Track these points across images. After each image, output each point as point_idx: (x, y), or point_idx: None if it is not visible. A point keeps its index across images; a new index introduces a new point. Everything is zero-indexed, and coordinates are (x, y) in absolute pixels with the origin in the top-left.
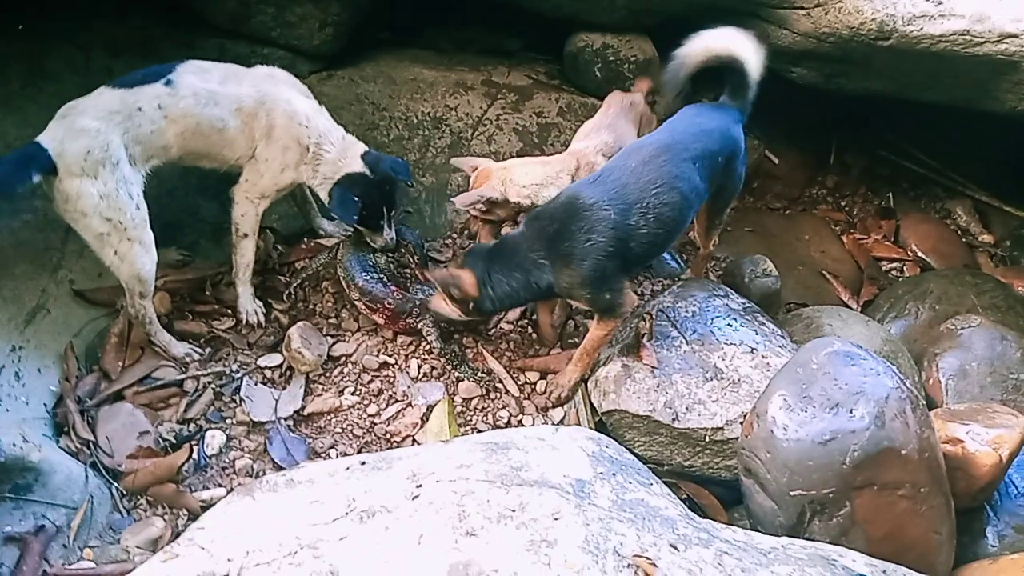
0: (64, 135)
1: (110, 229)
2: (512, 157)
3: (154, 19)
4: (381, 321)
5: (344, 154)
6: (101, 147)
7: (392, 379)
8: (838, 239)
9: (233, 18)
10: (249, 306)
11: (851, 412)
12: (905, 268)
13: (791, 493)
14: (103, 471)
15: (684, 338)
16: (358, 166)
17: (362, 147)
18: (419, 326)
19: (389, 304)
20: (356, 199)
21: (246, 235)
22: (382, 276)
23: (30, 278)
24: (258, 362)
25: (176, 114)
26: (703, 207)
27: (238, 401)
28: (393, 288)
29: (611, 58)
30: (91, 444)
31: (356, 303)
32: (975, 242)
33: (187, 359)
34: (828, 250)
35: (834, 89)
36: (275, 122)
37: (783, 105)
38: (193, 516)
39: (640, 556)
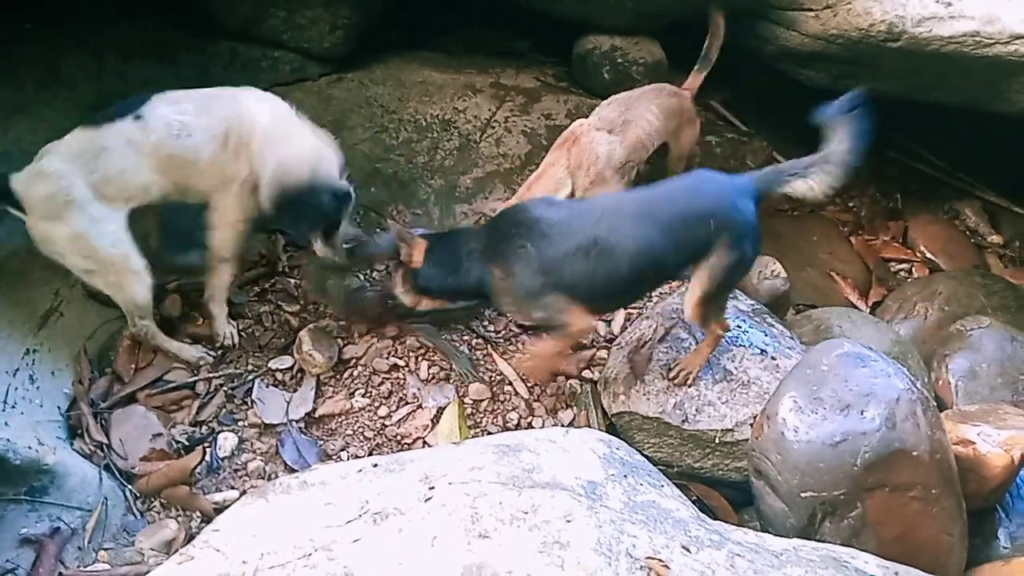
0: (30, 177)
1: (93, 266)
2: (520, 159)
3: (167, 23)
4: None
5: (286, 164)
6: (63, 190)
7: (402, 381)
8: (846, 240)
9: (245, 21)
10: (224, 329)
11: (862, 414)
12: (914, 269)
13: (802, 495)
14: (117, 473)
15: (694, 340)
16: (300, 175)
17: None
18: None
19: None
20: (300, 210)
21: (224, 259)
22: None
23: (44, 282)
24: (269, 364)
25: (148, 148)
26: (696, 282)
27: (250, 404)
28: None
29: (619, 60)
30: (105, 447)
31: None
32: (984, 243)
33: (200, 362)
34: (836, 251)
35: (842, 90)
36: (248, 143)
37: (791, 107)
38: (206, 518)
39: (653, 558)
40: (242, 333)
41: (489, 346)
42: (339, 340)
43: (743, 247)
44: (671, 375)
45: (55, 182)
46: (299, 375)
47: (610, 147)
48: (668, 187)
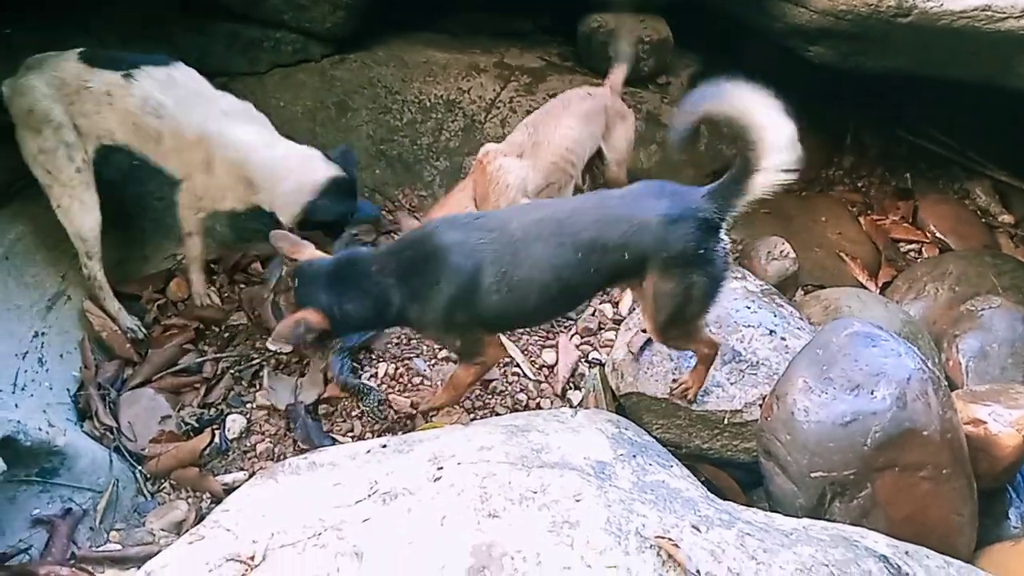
0: (17, 86)
1: (51, 182)
2: None
3: (167, 4)
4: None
5: (306, 170)
6: (44, 111)
7: (408, 363)
8: (855, 220)
9: (246, 2)
10: (201, 291)
11: (872, 393)
12: (924, 249)
13: (811, 475)
14: (127, 455)
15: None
16: (329, 172)
17: (319, 154)
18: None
19: None
20: (338, 198)
21: (190, 234)
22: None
23: (51, 264)
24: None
25: (119, 106)
26: (643, 312)
27: (257, 386)
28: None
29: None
30: (114, 429)
31: None
32: (995, 222)
33: (129, 333)
34: (845, 231)
35: (851, 68)
36: (215, 163)
37: (799, 85)
38: (216, 499)
39: (663, 537)
40: (251, 317)
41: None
42: None
43: (687, 275)
44: (673, 389)
45: (37, 101)
46: (306, 359)
47: (520, 173)
48: (590, 204)
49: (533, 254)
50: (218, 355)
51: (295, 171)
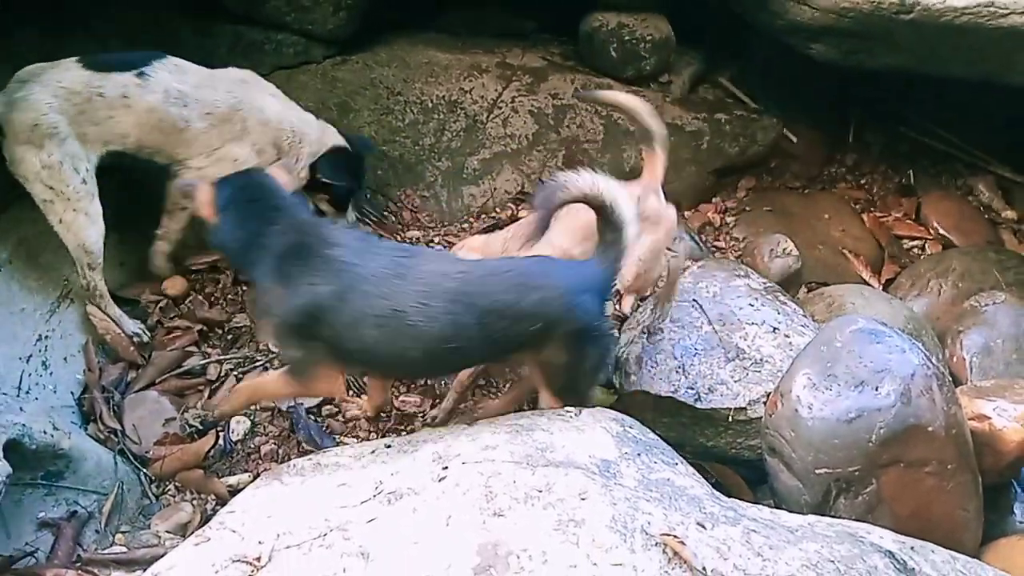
0: (14, 102)
1: (53, 197)
2: (528, 140)
3: (170, 7)
4: None
5: (324, 133)
6: (49, 123)
7: None
8: (858, 217)
9: (248, 4)
10: (160, 262)
11: (876, 389)
12: (927, 246)
13: (816, 472)
14: (131, 458)
15: (706, 318)
16: (341, 141)
17: (333, 131)
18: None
19: None
20: (342, 166)
21: (184, 208)
22: None
23: (54, 268)
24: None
25: (140, 107)
26: (536, 378)
27: None
28: None
29: (627, 38)
30: (118, 432)
31: None
32: (998, 218)
33: (135, 338)
34: (848, 229)
35: (853, 65)
36: (249, 127)
37: (801, 83)
38: (221, 501)
39: (668, 535)
40: (254, 319)
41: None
42: None
43: (583, 348)
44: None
45: (43, 114)
46: None
47: None
48: (502, 270)
49: (435, 304)
50: (222, 357)
51: (312, 134)
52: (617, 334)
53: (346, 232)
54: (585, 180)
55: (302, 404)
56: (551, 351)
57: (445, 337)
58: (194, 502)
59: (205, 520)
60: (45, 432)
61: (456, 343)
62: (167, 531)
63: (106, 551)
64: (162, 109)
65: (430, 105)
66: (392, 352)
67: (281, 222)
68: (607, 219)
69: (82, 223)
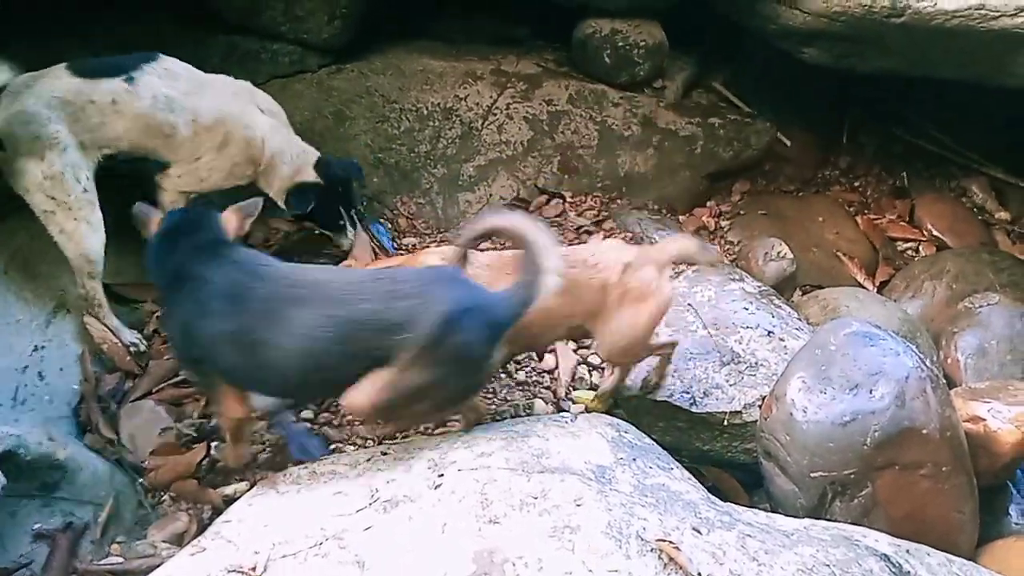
0: (12, 116)
1: (54, 207)
2: (523, 146)
3: (164, 16)
4: None
5: (299, 166)
6: (49, 134)
7: None
8: (852, 220)
9: (243, 13)
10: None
11: (871, 392)
12: (921, 248)
13: (812, 475)
14: (127, 468)
15: (701, 322)
16: (311, 176)
17: (315, 156)
18: None
19: None
20: (310, 200)
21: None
22: None
23: (51, 278)
24: None
25: (129, 112)
26: (382, 387)
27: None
28: None
29: (620, 44)
30: (115, 442)
31: None
32: (992, 220)
33: (132, 348)
34: (842, 231)
35: (846, 69)
36: (231, 140)
37: (794, 86)
38: (216, 510)
39: (663, 540)
40: None
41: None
42: None
43: (446, 368)
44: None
45: (43, 126)
46: None
47: None
48: (374, 279)
49: (294, 319)
50: None
51: (285, 166)
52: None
53: (246, 261)
54: (507, 218)
55: (291, 419)
56: (415, 366)
57: (308, 352)
58: (190, 512)
59: (201, 529)
60: (41, 443)
61: (319, 357)
62: (163, 541)
63: (102, 562)
64: (149, 115)
65: (425, 112)
66: (265, 370)
67: (196, 257)
68: (528, 260)
69: (84, 232)
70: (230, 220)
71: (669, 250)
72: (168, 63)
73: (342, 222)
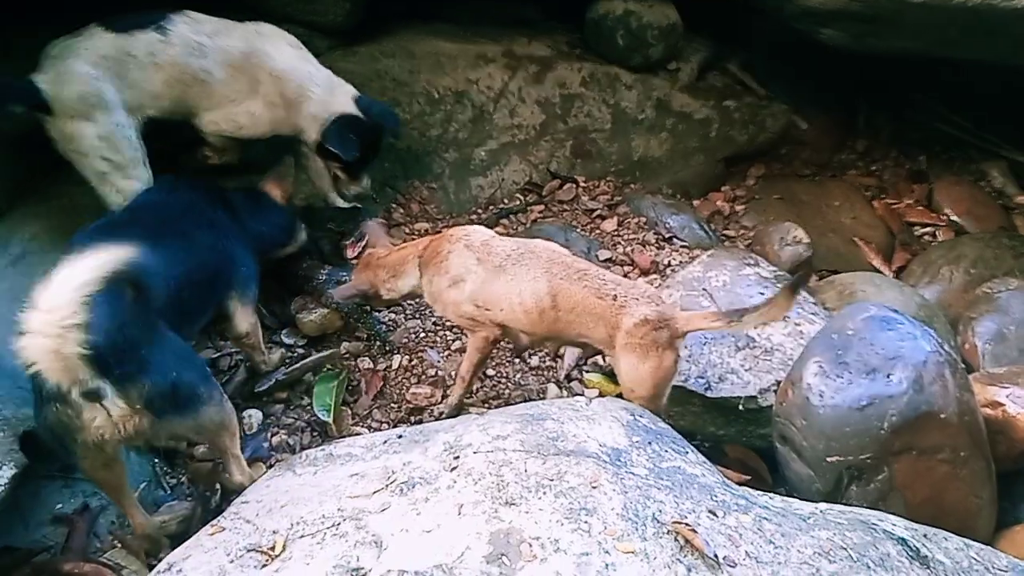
0: (58, 78)
1: (109, 168)
2: (535, 130)
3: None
4: None
5: (332, 94)
6: (96, 93)
7: (422, 355)
8: (869, 204)
9: None
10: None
11: (888, 377)
12: (939, 232)
13: (828, 460)
14: (144, 450)
15: (716, 307)
16: (351, 108)
17: (353, 91)
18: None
19: None
20: (353, 137)
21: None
22: None
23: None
24: (282, 338)
25: (164, 61)
26: None
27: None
28: None
29: (634, 24)
30: None
31: None
32: (1011, 204)
33: None
34: (859, 216)
35: (864, 50)
36: (260, 78)
37: (810, 69)
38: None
39: (680, 522)
40: (265, 311)
41: None
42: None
43: None
44: None
45: (88, 84)
46: (318, 348)
47: (464, 273)
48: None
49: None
50: (233, 350)
51: (318, 94)
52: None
53: None
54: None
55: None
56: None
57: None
58: (208, 493)
59: (217, 511)
60: None
61: None
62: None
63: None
64: (182, 63)
65: (436, 96)
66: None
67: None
68: None
69: (136, 189)
70: (274, 190)
71: (693, 324)
72: (193, 13)
73: (362, 171)
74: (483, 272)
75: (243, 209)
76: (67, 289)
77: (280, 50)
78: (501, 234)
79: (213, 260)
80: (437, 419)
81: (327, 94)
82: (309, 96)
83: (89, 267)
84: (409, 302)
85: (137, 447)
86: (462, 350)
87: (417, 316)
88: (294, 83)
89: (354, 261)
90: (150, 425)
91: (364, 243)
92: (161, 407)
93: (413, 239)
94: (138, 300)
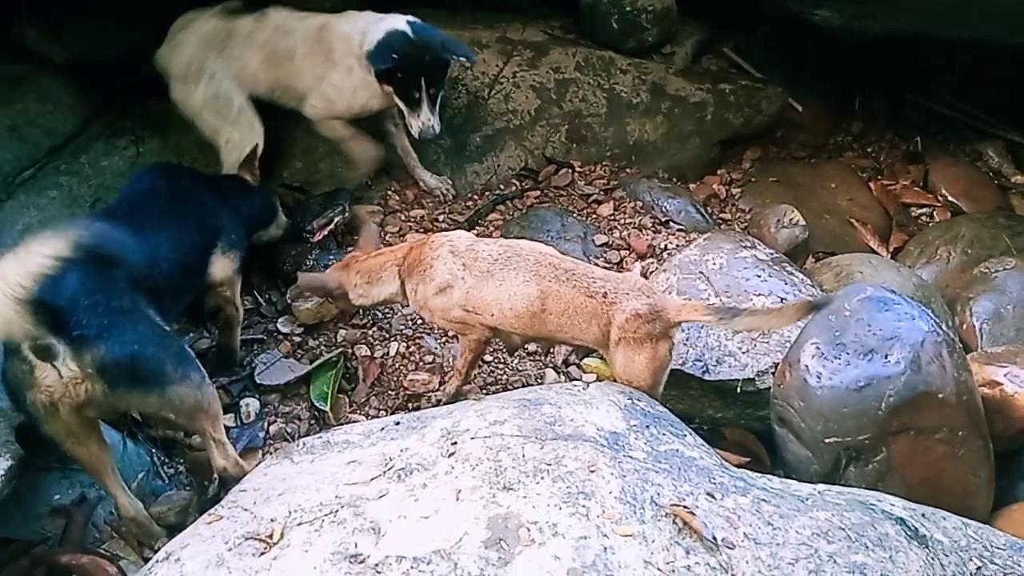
0: (172, 49)
1: (221, 122)
2: (530, 115)
3: None
4: None
5: (384, 21)
6: (199, 60)
7: (420, 342)
8: (865, 186)
9: None
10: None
11: (886, 357)
12: (935, 213)
13: (826, 441)
14: (142, 439)
15: (713, 290)
16: (401, 25)
17: (411, 18)
18: None
19: None
20: (393, 51)
21: (343, 137)
22: None
23: None
24: (279, 327)
25: (258, 40)
26: None
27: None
28: None
29: (628, 9)
30: (128, 414)
31: None
32: (1007, 184)
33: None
34: (856, 198)
35: (858, 31)
36: (333, 45)
37: (805, 51)
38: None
39: (678, 505)
40: (261, 299)
41: None
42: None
43: None
44: None
45: (193, 54)
46: (315, 336)
47: (450, 279)
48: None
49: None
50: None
51: (376, 22)
52: None
53: None
54: None
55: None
56: None
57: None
58: (206, 483)
59: (214, 499)
60: None
61: None
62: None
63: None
64: (273, 41)
65: None
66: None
67: None
68: None
69: (245, 136)
70: (245, 174)
71: (685, 314)
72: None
73: (417, 94)
74: (470, 278)
75: (229, 191)
76: (28, 253)
77: (349, 17)
78: (497, 220)
79: (201, 236)
80: (435, 407)
81: (381, 24)
82: (367, 39)
83: (54, 238)
84: None
85: (104, 420)
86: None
87: None
88: (357, 37)
89: (319, 246)
90: (103, 394)
91: (333, 229)
92: (115, 376)
93: (409, 226)
94: (109, 273)
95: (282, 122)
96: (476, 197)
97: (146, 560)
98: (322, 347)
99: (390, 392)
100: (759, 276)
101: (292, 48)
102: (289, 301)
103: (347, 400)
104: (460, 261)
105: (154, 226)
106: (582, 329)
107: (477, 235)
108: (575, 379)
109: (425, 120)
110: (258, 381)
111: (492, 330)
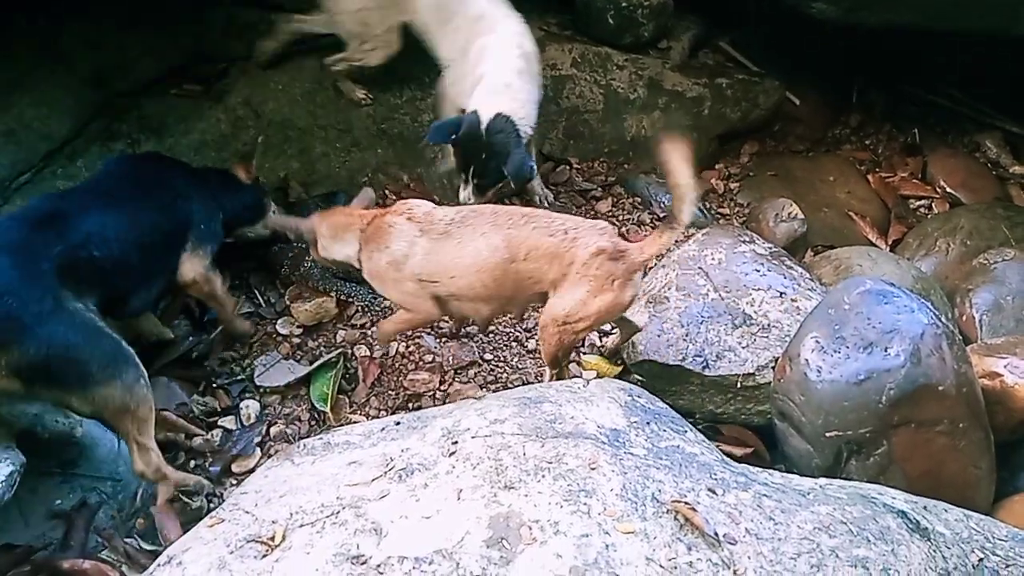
0: None
1: (363, 32)
2: None
3: None
4: None
5: (506, 91)
6: None
7: (419, 341)
8: (864, 179)
9: None
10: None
11: (886, 350)
12: (934, 205)
13: (827, 435)
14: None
15: (712, 285)
16: (501, 108)
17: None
18: None
19: None
20: (453, 134)
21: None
22: None
23: None
24: (278, 328)
25: None
26: None
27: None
28: None
29: (624, 4)
30: None
31: None
32: (1006, 174)
33: None
34: (854, 190)
35: (855, 24)
36: (471, 48)
37: (802, 44)
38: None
39: (679, 501)
40: (260, 300)
41: None
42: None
43: None
44: None
45: None
46: (314, 337)
47: (406, 248)
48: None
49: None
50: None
51: (494, 91)
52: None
53: None
54: None
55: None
56: None
57: None
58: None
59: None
60: (57, 421)
61: None
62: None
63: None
64: None
65: (427, 81)
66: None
67: None
68: None
69: (380, 51)
70: (240, 172)
71: (647, 252)
72: None
73: (464, 176)
74: (427, 242)
75: (213, 183)
76: None
77: (502, 34)
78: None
79: (166, 220)
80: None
81: (491, 97)
82: (473, 97)
83: None
84: None
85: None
86: (457, 336)
87: None
88: (477, 70)
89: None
90: (22, 390)
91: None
92: (30, 376)
93: None
94: (32, 268)
95: (281, 122)
96: None
97: (144, 567)
98: (322, 348)
99: (390, 392)
100: (758, 271)
101: (453, 11)
102: (265, 229)
103: (347, 401)
104: (417, 227)
105: (104, 205)
106: (544, 272)
107: None
108: (575, 376)
109: (465, 196)
110: (258, 383)
111: (440, 307)
